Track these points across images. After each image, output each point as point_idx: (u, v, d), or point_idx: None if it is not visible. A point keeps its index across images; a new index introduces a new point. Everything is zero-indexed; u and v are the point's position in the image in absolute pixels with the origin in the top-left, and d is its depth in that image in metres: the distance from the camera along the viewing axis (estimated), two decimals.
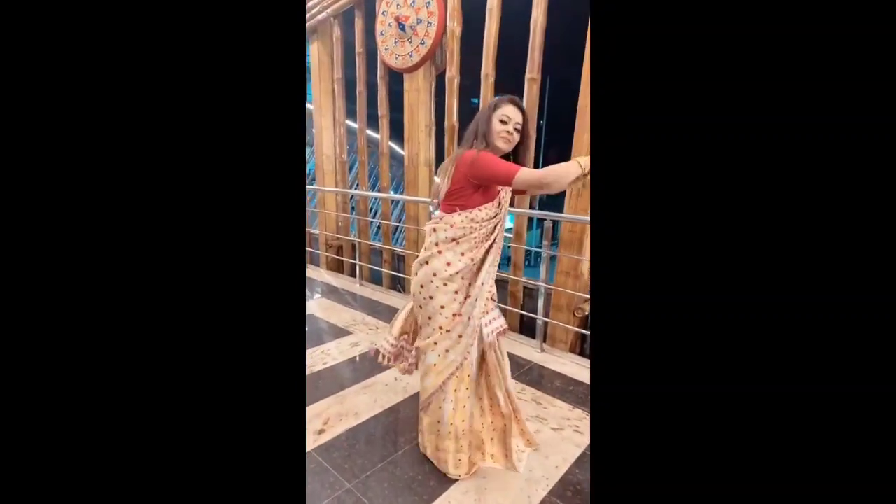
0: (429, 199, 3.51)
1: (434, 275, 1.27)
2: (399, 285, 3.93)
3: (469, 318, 1.30)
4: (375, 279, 3.94)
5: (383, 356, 1.51)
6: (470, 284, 1.30)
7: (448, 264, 1.27)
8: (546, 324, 2.55)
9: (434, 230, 1.30)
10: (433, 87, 3.34)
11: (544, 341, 2.53)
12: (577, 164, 1.12)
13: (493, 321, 1.39)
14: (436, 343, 1.31)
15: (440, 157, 3.41)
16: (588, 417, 1.88)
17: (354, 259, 3.83)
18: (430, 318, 1.31)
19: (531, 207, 2.87)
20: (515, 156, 1.33)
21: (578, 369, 2.26)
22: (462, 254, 1.28)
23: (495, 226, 1.30)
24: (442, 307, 1.28)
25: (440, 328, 1.30)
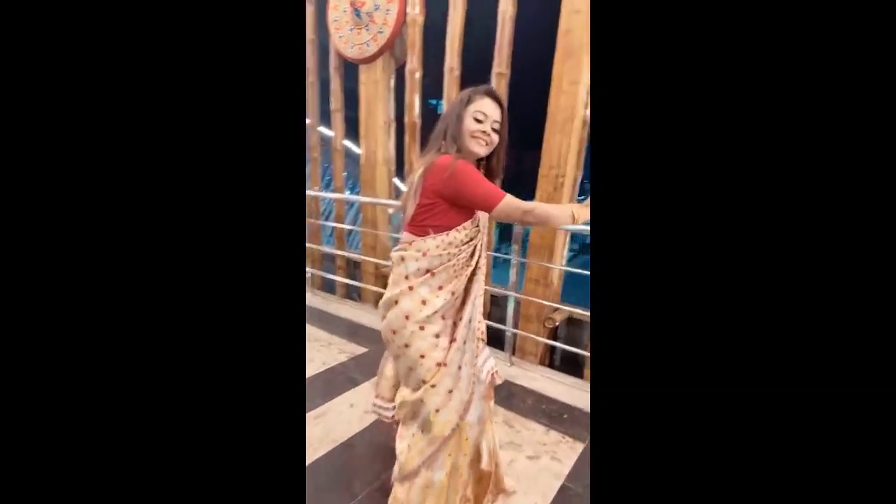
0: (389, 202, 3.29)
1: (407, 317, 1.02)
2: (355, 294, 3.67)
3: (459, 368, 1.06)
4: (328, 287, 3.66)
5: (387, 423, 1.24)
6: (455, 324, 1.06)
7: (423, 303, 1.01)
8: (514, 335, 2.41)
9: (402, 259, 1.03)
10: (392, 80, 3.14)
11: (513, 354, 2.38)
12: (571, 215, 0.99)
13: (487, 361, 1.17)
14: (422, 401, 1.04)
15: (400, 156, 3.21)
16: (564, 441, 1.75)
17: (305, 265, 3.53)
18: (411, 369, 1.05)
19: None
20: (488, 161, 1.10)
21: (550, 384, 2.14)
22: (440, 287, 1.02)
23: (475, 248, 1.06)
24: (422, 356, 1.03)
25: (424, 382, 1.04)
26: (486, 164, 1.10)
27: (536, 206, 0.99)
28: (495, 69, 2.44)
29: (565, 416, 1.90)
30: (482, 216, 1.09)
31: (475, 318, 1.09)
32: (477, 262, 1.07)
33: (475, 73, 2.59)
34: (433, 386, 1.04)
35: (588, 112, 2.26)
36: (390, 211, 3.42)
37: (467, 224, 1.03)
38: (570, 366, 2.57)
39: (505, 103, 1.06)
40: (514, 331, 2.38)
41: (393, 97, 3.17)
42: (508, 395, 2.02)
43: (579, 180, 2.41)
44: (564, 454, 1.65)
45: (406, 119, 3.01)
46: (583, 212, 1.02)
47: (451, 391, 1.05)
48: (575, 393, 2.06)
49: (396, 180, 3.56)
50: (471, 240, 1.05)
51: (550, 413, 1.91)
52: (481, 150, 1.03)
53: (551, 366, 2.52)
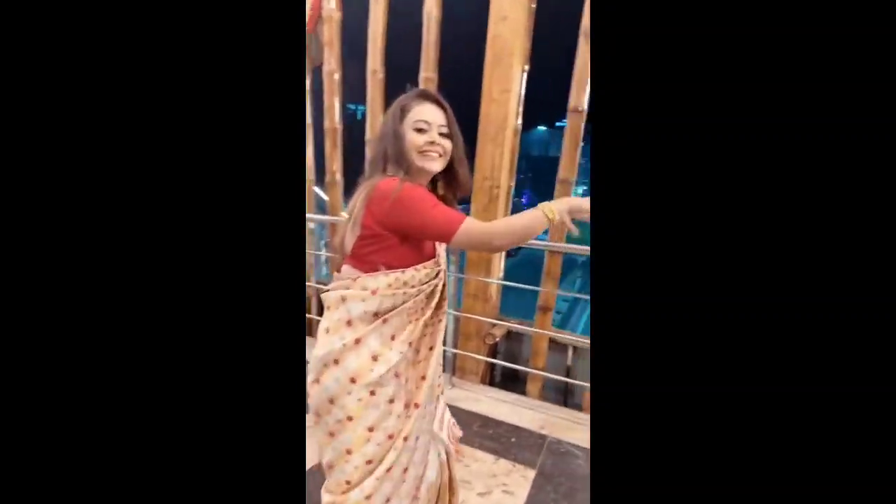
0: (310, 216, 3.00)
1: (353, 380, 0.79)
2: None
3: (417, 439, 0.87)
4: None
5: None
6: (416, 385, 0.87)
7: (375, 359, 0.80)
8: (454, 355, 2.30)
9: (343, 300, 0.81)
10: (308, 82, 2.88)
11: (453, 374, 2.27)
12: (543, 215, 0.80)
13: (444, 414, 0.99)
14: (369, 497, 0.81)
15: (320, 164, 2.96)
16: (515, 469, 1.67)
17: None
18: (348, 453, 0.81)
19: None
20: (448, 176, 0.92)
21: (494, 405, 2.06)
22: (392, 337, 0.82)
23: (434, 288, 0.87)
24: (370, 429, 0.81)
25: (369, 463, 0.81)
26: (445, 179, 0.92)
27: (499, 224, 0.81)
28: (423, 73, 2.32)
29: (513, 439, 1.82)
30: (441, 250, 0.91)
31: (437, 374, 0.91)
32: (437, 305, 0.88)
33: (401, 76, 2.45)
34: (389, 470, 0.82)
35: (520, 122, 2.22)
36: (311, 225, 3.14)
37: (428, 263, 0.85)
38: (510, 381, 2.52)
39: (444, 102, 0.88)
40: (455, 350, 2.27)
41: (310, 101, 2.91)
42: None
43: (512, 189, 2.37)
44: (517, 484, 1.56)
45: (326, 124, 2.77)
46: (555, 206, 0.81)
47: (406, 470, 0.86)
48: (519, 411, 2.00)
49: (317, 189, 3.28)
50: (432, 279, 0.87)
51: (498, 437, 1.82)
52: (434, 165, 0.85)
53: (492, 383, 2.45)
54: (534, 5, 2.14)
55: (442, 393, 1.02)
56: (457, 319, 2.31)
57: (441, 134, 0.86)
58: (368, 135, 2.55)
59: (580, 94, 1.98)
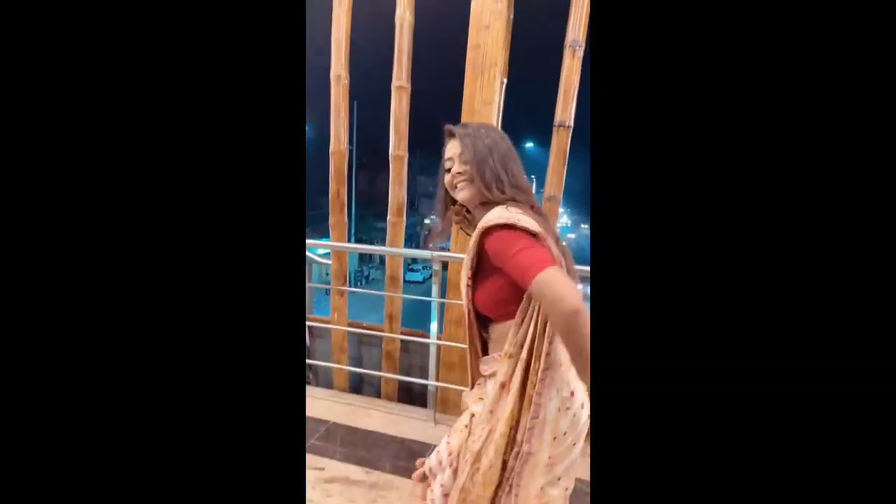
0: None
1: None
2: None
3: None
4: None
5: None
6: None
7: None
8: (437, 388, 2.17)
9: None
10: None
11: (437, 410, 2.15)
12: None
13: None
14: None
15: None
16: None
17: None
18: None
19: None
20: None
21: None
22: None
23: None
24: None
25: None
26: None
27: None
28: (395, 82, 2.21)
29: None
30: None
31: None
32: None
33: (368, 83, 2.31)
34: None
35: None
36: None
37: None
38: None
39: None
40: (436, 384, 2.15)
41: None
42: None
43: None
44: None
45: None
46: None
47: None
48: None
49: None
50: None
51: None
52: (458, 195, 0.95)
53: None
54: (511, 16, 2.12)
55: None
56: (438, 349, 2.19)
57: (465, 162, 0.91)
58: (332, 147, 2.38)
59: (566, 109, 1.97)
